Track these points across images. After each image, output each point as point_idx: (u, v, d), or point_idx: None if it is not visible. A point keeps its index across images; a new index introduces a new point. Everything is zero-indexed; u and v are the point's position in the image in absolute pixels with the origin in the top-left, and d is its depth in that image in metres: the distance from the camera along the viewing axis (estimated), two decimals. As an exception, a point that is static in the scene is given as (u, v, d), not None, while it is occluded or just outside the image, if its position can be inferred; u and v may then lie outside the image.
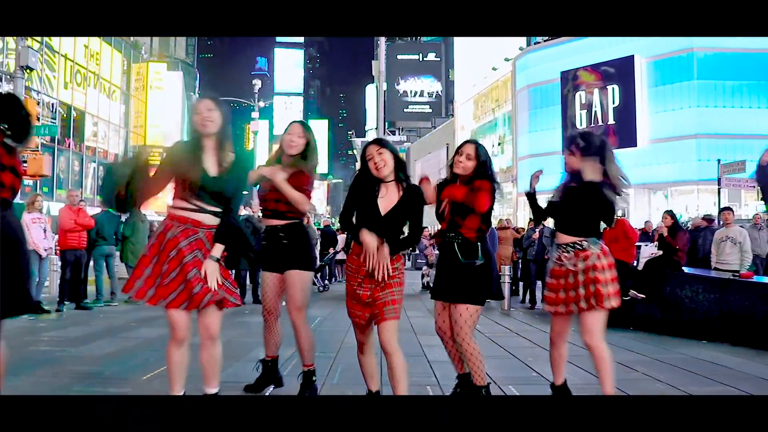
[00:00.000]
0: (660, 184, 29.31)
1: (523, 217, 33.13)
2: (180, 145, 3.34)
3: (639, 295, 7.66)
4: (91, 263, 9.83)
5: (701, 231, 10.11)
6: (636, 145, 30.09)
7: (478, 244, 3.56)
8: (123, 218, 10.10)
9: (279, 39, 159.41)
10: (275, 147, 4.22)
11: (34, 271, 8.25)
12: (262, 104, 34.67)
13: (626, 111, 30.97)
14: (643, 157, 29.56)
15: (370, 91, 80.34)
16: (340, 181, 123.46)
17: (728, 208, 8.82)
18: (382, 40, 27.23)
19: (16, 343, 5.81)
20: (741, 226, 8.70)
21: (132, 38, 47.44)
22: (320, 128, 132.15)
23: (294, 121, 3.93)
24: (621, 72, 31.20)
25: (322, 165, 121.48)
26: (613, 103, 31.67)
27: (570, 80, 33.06)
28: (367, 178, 3.36)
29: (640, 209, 29.53)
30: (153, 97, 48.90)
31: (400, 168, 3.36)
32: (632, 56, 30.67)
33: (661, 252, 7.85)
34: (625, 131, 30.68)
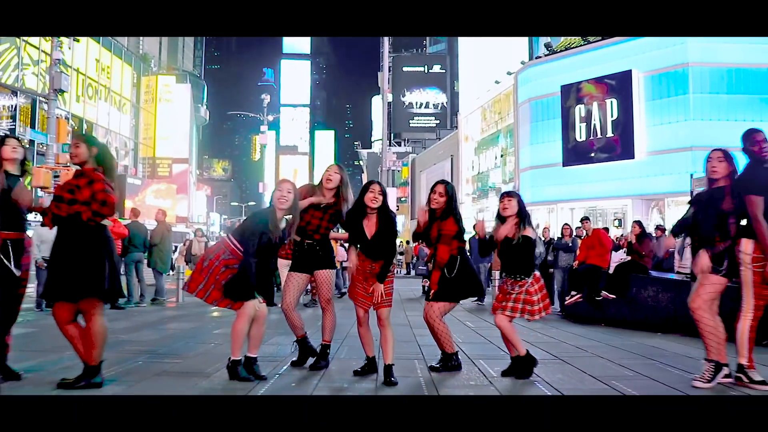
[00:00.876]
0: (657, 195, 29.79)
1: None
2: (265, 211, 4.69)
3: (610, 295, 8.67)
4: (122, 268, 10.92)
5: (655, 239, 11.12)
6: (634, 157, 30.60)
7: (458, 257, 4.95)
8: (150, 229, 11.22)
9: (285, 50, 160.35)
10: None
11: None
12: (270, 118, 35.77)
13: (624, 124, 31.59)
14: (641, 168, 30.16)
15: (376, 102, 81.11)
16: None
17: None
18: (386, 51, 27.71)
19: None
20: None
21: (141, 51, 48.34)
22: (326, 139, 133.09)
23: (332, 164, 5.22)
24: (619, 86, 31.85)
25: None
26: (612, 116, 32.30)
27: (573, 92, 33.61)
28: (359, 207, 4.73)
29: (637, 218, 30.32)
30: (162, 109, 49.78)
31: (384, 202, 4.77)
32: (630, 71, 31.16)
33: (629, 258, 8.87)
34: (624, 144, 31.36)
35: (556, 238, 11.85)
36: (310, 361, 5.13)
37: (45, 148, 15.07)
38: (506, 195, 5.05)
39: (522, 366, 4.80)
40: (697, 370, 4.82)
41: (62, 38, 14.72)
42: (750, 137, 4.66)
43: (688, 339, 6.97)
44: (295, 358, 5.23)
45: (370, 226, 4.69)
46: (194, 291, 4.49)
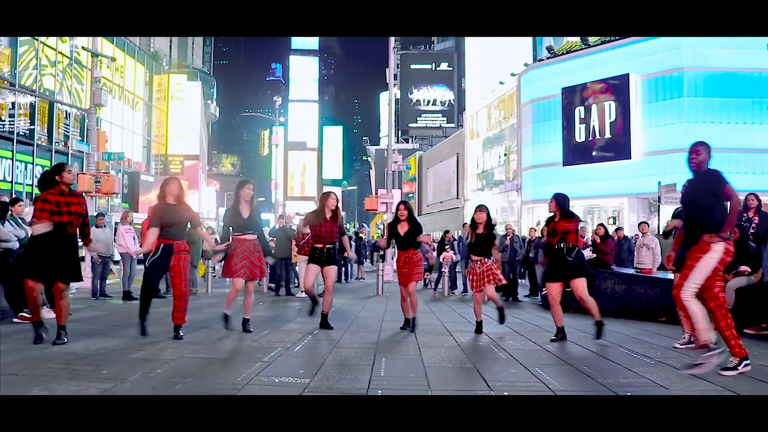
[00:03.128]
0: (651, 194, 30.53)
1: (525, 224, 35.45)
2: (231, 206, 6.97)
3: (578, 287, 10.24)
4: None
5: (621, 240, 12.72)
6: (630, 158, 31.68)
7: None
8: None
9: (294, 46, 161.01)
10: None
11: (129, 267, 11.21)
12: (282, 119, 37.24)
13: (622, 125, 32.34)
14: (637, 169, 31.17)
15: (384, 97, 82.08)
16: (354, 188, 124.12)
17: (644, 222, 11.39)
18: (392, 51, 28.35)
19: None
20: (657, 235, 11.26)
21: (152, 49, 49.44)
22: (335, 134, 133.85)
23: (330, 192, 7.69)
24: (617, 89, 32.79)
25: (337, 171, 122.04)
26: (610, 118, 33.38)
27: (578, 92, 34.30)
28: (395, 219, 7.78)
29: (633, 216, 31.52)
30: (174, 107, 50.93)
31: (411, 213, 7.75)
32: (627, 74, 32.08)
33: (594, 255, 10.46)
34: (621, 144, 32.50)
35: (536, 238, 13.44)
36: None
37: (87, 156, 16.70)
38: (480, 209, 7.49)
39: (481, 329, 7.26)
40: (614, 341, 6.41)
41: (102, 58, 16.36)
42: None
43: (632, 321, 8.57)
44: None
45: (402, 228, 7.63)
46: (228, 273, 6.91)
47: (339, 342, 6.43)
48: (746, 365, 4.83)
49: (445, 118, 68.88)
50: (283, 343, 6.16)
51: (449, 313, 9.69)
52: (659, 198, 20.51)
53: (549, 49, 38.27)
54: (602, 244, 10.45)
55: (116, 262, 12.74)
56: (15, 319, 7.67)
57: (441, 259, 14.52)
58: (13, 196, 17.40)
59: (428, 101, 70.76)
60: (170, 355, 5.35)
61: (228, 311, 6.78)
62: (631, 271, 10.31)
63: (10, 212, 8.05)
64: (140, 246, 11.89)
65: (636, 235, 15.70)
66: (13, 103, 28.82)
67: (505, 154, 43.24)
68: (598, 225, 10.85)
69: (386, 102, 37.68)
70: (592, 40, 34.75)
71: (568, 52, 36.68)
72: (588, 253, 10.46)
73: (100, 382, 4.23)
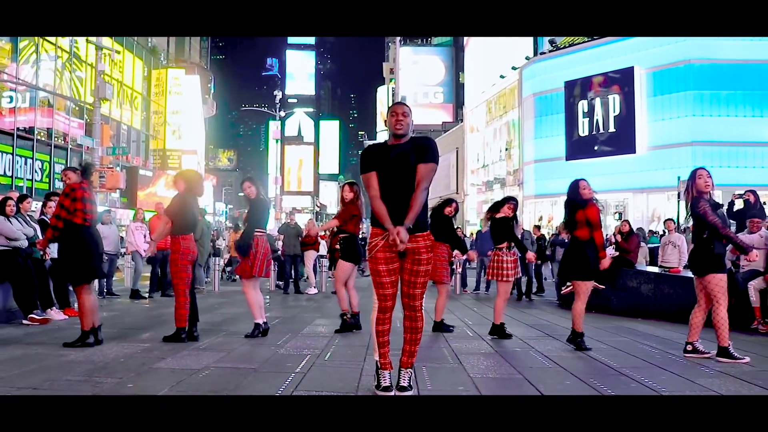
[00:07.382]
0: (658, 189, 29.93)
1: (528, 220, 35.17)
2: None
3: (600, 286, 9.93)
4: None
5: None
6: (635, 152, 31.34)
7: None
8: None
9: (290, 41, 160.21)
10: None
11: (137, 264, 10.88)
12: (282, 114, 36.93)
13: (626, 119, 32.09)
14: (642, 163, 30.92)
15: (381, 92, 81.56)
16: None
17: (670, 219, 11.11)
18: (398, 41, 27.83)
19: (153, 314, 8.47)
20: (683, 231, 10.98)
21: (150, 44, 49.10)
22: (331, 129, 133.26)
23: (345, 182, 7.37)
24: (622, 82, 32.32)
25: (333, 166, 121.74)
26: (614, 111, 33.05)
27: (581, 85, 33.99)
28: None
29: (637, 211, 31.32)
30: (172, 102, 50.72)
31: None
32: (632, 67, 31.75)
33: (617, 253, 10.16)
34: (625, 138, 32.01)
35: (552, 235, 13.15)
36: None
37: (91, 150, 16.33)
38: (513, 201, 7.28)
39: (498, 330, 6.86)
40: (657, 346, 6.10)
41: (106, 51, 16.00)
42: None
43: (661, 323, 8.26)
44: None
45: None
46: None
47: (369, 347, 6.10)
48: None
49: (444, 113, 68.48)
50: (310, 350, 5.83)
51: (469, 314, 9.34)
52: (678, 194, 20.16)
53: (551, 41, 37.88)
54: (625, 242, 10.13)
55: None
56: (24, 321, 7.35)
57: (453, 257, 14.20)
58: (15, 191, 17.02)
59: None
60: (194, 365, 5.01)
61: (258, 320, 6.72)
62: (657, 269, 10.02)
63: (17, 209, 7.71)
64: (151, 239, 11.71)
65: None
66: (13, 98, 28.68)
67: (507, 149, 42.91)
68: (623, 221, 10.55)
69: (384, 96, 36.99)
70: (595, 32, 34.39)
71: (571, 45, 36.32)
72: (611, 250, 10.14)
73: (127, 398, 3.90)
